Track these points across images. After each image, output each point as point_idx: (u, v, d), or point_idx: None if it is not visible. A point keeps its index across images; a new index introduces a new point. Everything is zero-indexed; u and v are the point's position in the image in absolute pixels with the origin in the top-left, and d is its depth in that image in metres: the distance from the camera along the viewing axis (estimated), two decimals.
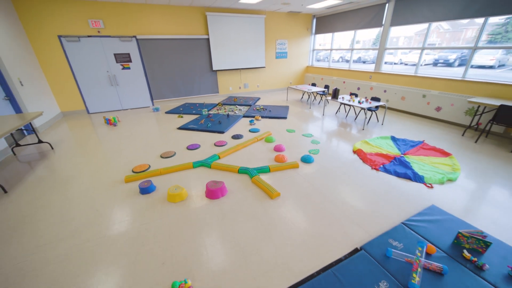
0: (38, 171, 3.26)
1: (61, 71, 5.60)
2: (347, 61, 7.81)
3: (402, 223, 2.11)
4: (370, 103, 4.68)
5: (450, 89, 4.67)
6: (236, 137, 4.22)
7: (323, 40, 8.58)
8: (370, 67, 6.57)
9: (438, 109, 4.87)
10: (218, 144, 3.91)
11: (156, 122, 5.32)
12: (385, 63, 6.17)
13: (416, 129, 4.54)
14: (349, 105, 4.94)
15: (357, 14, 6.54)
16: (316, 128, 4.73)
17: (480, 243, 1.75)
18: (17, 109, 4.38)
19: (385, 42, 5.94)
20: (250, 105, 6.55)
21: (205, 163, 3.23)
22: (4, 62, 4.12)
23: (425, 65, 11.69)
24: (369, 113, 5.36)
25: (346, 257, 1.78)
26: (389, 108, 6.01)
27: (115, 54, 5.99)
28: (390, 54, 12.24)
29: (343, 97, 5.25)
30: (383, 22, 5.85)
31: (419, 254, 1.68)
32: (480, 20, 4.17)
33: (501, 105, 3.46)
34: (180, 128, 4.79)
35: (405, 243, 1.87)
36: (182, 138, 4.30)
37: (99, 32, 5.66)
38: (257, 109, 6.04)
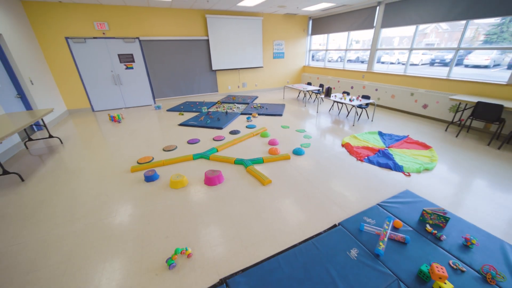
0: (51, 162, 3.55)
1: (67, 71, 5.89)
2: (347, 61, 8.09)
3: (378, 204, 2.38)
4: (360, 100, 4.95)
5: (436, 88, 4.95)
6: (233, 132, 4.50)
7: (323, 40, 8.84)
8: (364, 67, 6.84)
9: (425, 106, 5.14)
10: (216, 139, 4.19)
11: (158, 119, 5.61)
12: (383, 62, 6.43)
13: (403, 125, 4.82)
14: (341, 103, 5.22)
15: (351, 16, 6.82)
16: (309, 124, 5.01)
17: (441, 218, 2.03)
18: (28, 106, 4.67)
19: (376, 43, 6.21)
20: (248, 103, 6.83)
21: (204, 155, 3.51)
22: (17, 63, 4.42)
23: (422, 64, 11.94)
24: (359, 110, 5.64)
25: (325, 231, 2.06)
26: (380, 106, 6.28)
27: (119, 55, 6.28)
28: (386, 54, 12.51)
29: (335, 95, 5.52)
30: (375, 24, 6.13)
31: (386, 227, 1.95)
32: (463, 22, 4.44)
33: (478, 102, 3.74)
34: (181, 125, 5.07)
35: (377, 220, 2.15)
36: (183, 133, 4.58)
37: (104, 33, 5.95)
38: (255, 107, 6.32)
